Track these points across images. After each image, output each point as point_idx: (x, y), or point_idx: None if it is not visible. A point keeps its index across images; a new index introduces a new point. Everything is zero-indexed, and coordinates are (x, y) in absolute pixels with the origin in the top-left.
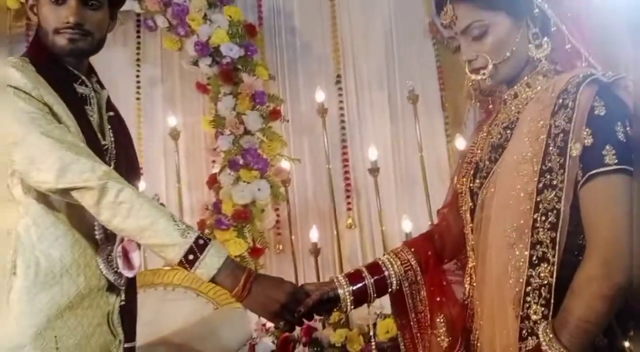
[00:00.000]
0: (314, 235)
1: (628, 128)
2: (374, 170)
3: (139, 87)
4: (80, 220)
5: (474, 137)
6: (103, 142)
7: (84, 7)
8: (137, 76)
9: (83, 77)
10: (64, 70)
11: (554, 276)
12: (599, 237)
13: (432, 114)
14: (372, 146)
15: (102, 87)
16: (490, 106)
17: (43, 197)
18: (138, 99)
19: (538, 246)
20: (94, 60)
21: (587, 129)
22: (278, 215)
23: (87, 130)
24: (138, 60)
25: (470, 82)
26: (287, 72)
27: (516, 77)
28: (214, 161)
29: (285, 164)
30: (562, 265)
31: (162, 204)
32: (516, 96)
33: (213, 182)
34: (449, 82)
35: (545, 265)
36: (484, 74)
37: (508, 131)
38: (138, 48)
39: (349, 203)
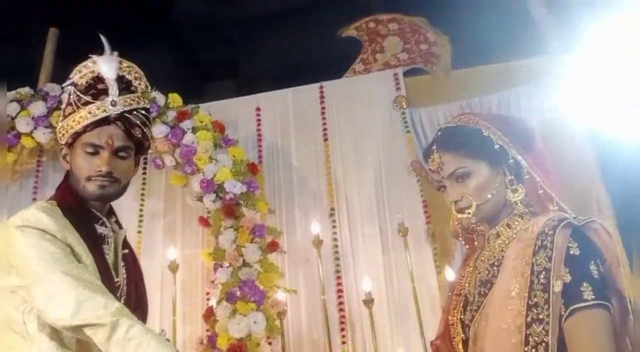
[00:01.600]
0: None
1: (601, 267)
2: (369, 302)
3: (141, 221)
4: None
5: (462, 271)
6: (116, 279)
7: (114, 157)
8: (141, 210)
9: (104, 219)
10: (88, 213)
11: None
12: None
13: (421, 246)
14: (366, 277)
15: (120, 227)
16: (475, 243)
17: (56, 335)
18: (139, 232)
19: None
20: None
21: (565, 268)
22: (271, 350)
23: (102, 268)
24: (142, 195)
25: (457, 221)
26: (284, 205)
27: (496, 217)
28: (208, 294)
29: (281, 296)
30: None
31: (167, 339)
32: (498, 236)
33: (209, 315)
34: (434, 215)
35: None
36: (468, 213)
37: (494, 268)
38: (143, 184)
39: (343, 336)
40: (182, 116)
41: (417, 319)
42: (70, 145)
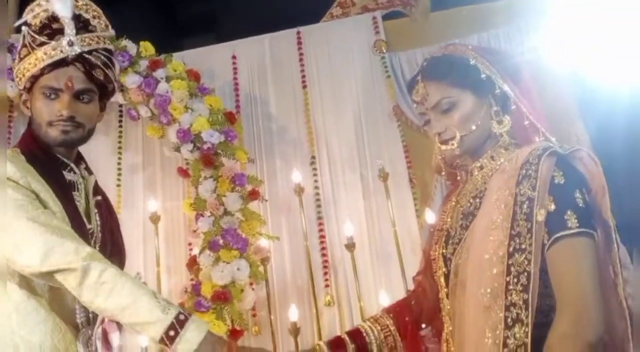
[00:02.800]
0: (293, 314)
1: (586, 195)
2: (350, 246)
3: (119, 174)
4: (61, 304)
5: (444, 207)
6: (89, 226)
7: (76, 101)
8: (119, 164)
9: (72, 165)
10: (53, 159)
11: (529, 336)
12: (568, 296)
13: (402, 191)
14: (347, 222)
15: (90, 173)
16: (458, 178)
17: (26, 283)
18: (118, 185)
19: (512, 308)
20: (81, 150)
21: (549, 197)
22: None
23: (73, 215)
24: (119, 148)
25: (440, 155)
26: (265, 154)
27: (479, 149)
28: (190, 244)
29: (264, 243)
30: (536, 325)
31: (144, 283)
32: (482, 168)
33: (193, 264)
34: (415, 160)
35: (520, 326)
36: (452, 144)
37: (477, 200)
38: (120, 137)
39: (326, 280)
40: (154, 65)
41: (398, 261)
42: (29, 90)
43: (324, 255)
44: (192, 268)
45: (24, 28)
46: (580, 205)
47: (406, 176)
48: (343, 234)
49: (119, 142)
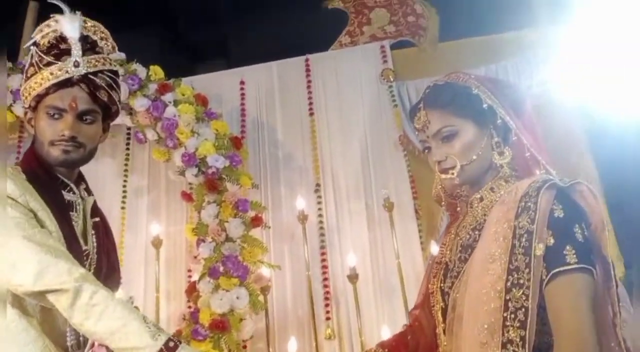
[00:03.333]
0: (292, 347)
1: (585, 230)
2: (353, 277)
3: (124, 197)
4: (52, 326)
5: (443, 239)
6: (84, 247)
7: (79, 121)
8: (124, 186)
9: (72, 185)
10: (53, 179)
11: None
12: (566, 332)
13: (407, 222)
14: (350, 253)
15: (90, 193)
16: (458, 209)
17: (18, 303)
18: (123, 208)
19: (509, 345)
20: (84, 173)
21: (548, 231)
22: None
23: (69, 235)
24: (126, 171)
25: (440, 184)
26: (270, 181)
27: (480, 180)
28: (190, 271)
29: (265, 271)
30: None
31: (136, 307)
32: (482, 200)
33: (192, 290)
34: (421, 191)
35: None
36: (452, 173)
37: (476, 232)
38: (127, 159)
39: (327, 312)
40: (163, 89)
41: (402, 294)
42: (34, 109)
43: (325, 286)
44: (191, 295)
45: (32, 47)
46: (580, 240)
47: (412, 207)
48: (346, 264)
49: (126, 165)
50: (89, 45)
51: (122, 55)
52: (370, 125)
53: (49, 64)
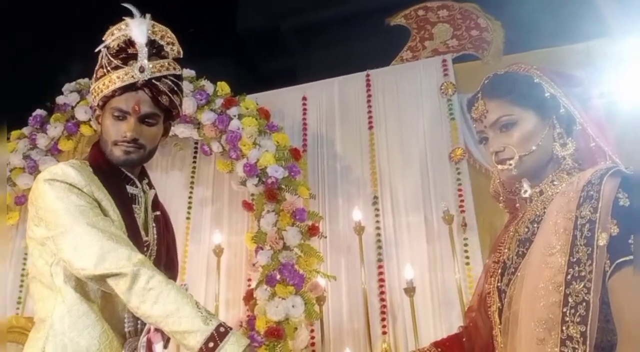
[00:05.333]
0: None
1: None
2: (410, 290)
3: (190, 208)
4: (111, 312)
5: (501, 237)
6: (145, 238)
7: (140, 124)
8: (190, 198)
9: (135, 179)
10: (117, 173)
11: None
12: (630, 331)
13: (467, 236)
14: (408, 265)
15: (151, 187)
16: (517, 205)
17: (81, 287)
18: (188, 218)
19: (568, 342)
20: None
21: (612, 219)
22: (313, 336)
23: (131, 226)
24: (192, 183)
25: (498, 178)
26: (327, 193)
27: (540, 172)
28: (249, 280)
29: (321, 281)
30: None
31: (190, 294)
32: (542, 193)
33: (250, 298)
34: (482, 205)
35: None
36: (510, 164)
37: (535, 225)
38: (193, 172)
39: (384, 326)
40: (229, 103)
41: (460, 310)
42: (101, 107)
43: (382, 300)
44: (249, 302)
45: (103, 49)
46: None
47: (473, 222)
48: (403, 278)
49: (192, 177)
50: (155, 50)
51: (192, 72)
52: (429, 138)
53: (116, 67)
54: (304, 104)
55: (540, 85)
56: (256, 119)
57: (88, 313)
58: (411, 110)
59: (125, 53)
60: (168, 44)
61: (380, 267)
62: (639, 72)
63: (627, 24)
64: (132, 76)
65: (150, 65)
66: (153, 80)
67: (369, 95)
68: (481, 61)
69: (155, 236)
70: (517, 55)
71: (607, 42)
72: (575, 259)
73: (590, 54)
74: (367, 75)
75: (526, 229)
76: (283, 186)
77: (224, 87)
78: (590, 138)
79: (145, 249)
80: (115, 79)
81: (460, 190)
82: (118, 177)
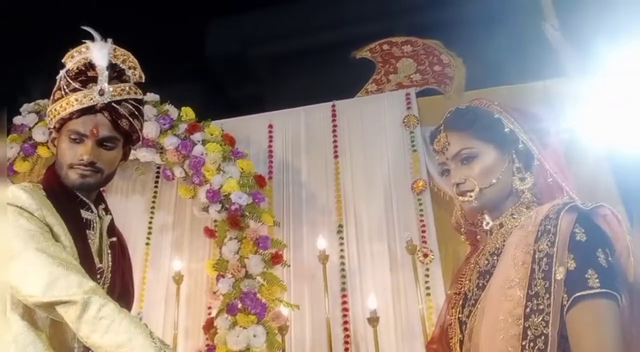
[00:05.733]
0: None
1: (610, 256)
2: (374, 320)
3: (149, 233)
4: (61, 341)
5: (462, 269)
6: (99, 265)
7: (99, 147)
8: (150, 223)
9: (90, 204)
10: (72, 197)
11: None
12: None
13: (431, 266)
14: (371, 295)
15: (108, 212)
16: (478, 237)
17: (28, 314)
18: (147, 244)
19: None
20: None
21: (569, 254)
22: None
23: (84, 252)
24: (153, 207)
25: (459, 210)
26: (292, 220)
27: (500, 205)
28: (210, 308)
29: (284, 310)
30: None
31: (144, 324)
32: (502, 226)
33: (210, 326)
34: (447, 235)
35: None
36: (470, 196)
37: (495, 257)
38: (154, 197)
39: None
40: (193, 129)
41: (423, 340)
42: (58, 130)
43: (346, 329)
44: (209, 331)
45: (61, 71)
46: (603, 264)
47: (436, 252)
48: (367, 307)
49: (153, 202)
50: (116, 74)
51: (156, 97)
52: (393, 169)
53: (75, 90)
54: (270, 132)
55: (500, 120)
56: (221, 145)
57: (35, 342)
58: (375, 141)
59: (85, 76)
60: (130, 68)
61: (344, 296)
62: (593, 111)
63: (581, 65)
64: (91, 99)
65: (111, 89)
66: (113, 104)
67: (335, 125)
68: (443, 96)
69: (110, 263)
70: (478, 91)
71: (563, 81)
72: (533, 293)
73: (548, 92)
74: (333, 106)
75: (486, 261)
76: (247, 213)
77: (188, 112)
78: (548, 173)
79: (98, 276)
80: (74, 101)
81: (422, 221)
82: (72, 202)
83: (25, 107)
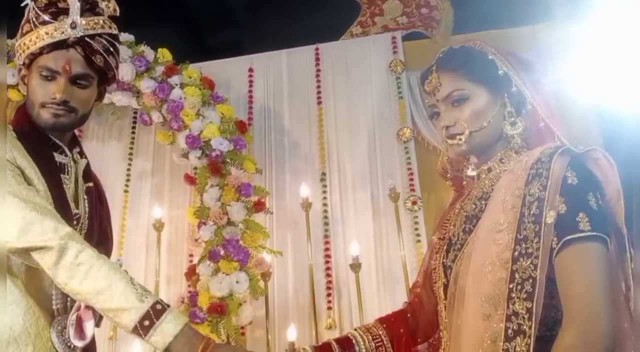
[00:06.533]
0: (291, 334)
1: (600, 200)
2: (356, 266)
3: (128, 180)
4: (38, 288)
5: (447, 214)
6: (75, 211)
7: (72, 85)
8: (128, 170)
9: (64, 147)
10: (45, 139)
11: (531, 350)
12: (576, 305)
13: (412, 213)
14: (354, 242)
15: (83, 156)
16: (464, 183)
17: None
18: (126, 191)
19: (514, 318)
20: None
21: (560, 198)
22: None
23: (58, 197)
24: (130, 154)
25: (446, 155)
26: (275, 168)
27: (489, 150)
28: (191, 255)
29: (267, 257)
30: (539, 339)
31: (125, 271)
32: (490, 171)
33: (192, 273)
34: (430, 183)
35: (522, 337)
36: (460, 139)
37: (482, 202)
38: (132, 142)
39: (329, 302)
40: (170, 71)
41: (405, 286)
42: (27, 66)
43: (328, 275)
44: (191, 278)
45: (29, 2)
46: (594, 208)
47: (421, 199)
48: (349, 254)
49: (131, 148)
50: (88, 6)
51: (131, 37)
52: (378, 115)
53: (45, 22)
54: (250, 76)
55: (494, 62)
56: (200, 89)
57: (11, 289)
58: (360, 87)
59: (56, 7)
60: (103, 0)
61: (326, 243)
62: (582, 58)
63: (571, 9)
64: (63, 32)
65: (84, 22)
66: (86, 38)
67: (318, 70)
68: (430, 40)
69: (87, 209)
70: (465, 35)
71: (552, 26)
72: (522, 236)
73: (537, 37)
74: (317, 49)
75: (473, 206)
76: (228, 160)
77: (165, 54)
78: (540, 118)
79: (75, 222)
80: (44, 34)
81: (410, 169)
82: (45, 144)
83: None
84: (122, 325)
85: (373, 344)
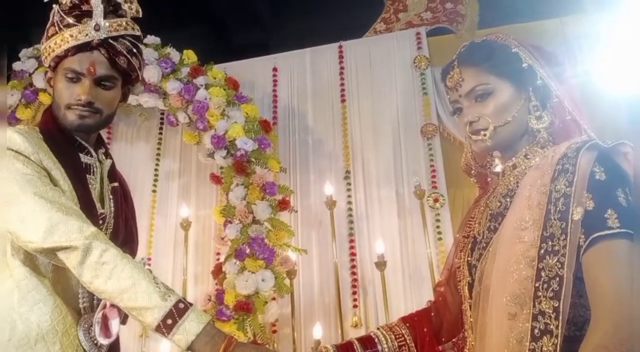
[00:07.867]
0: (317, 332)
1: (629, 195)
2: (381, 264)
3: (156, 180)
4: (65, 286)
5: (471, 212)
6: (101, 210)
7: (96, 86)
8: (156, 170)
9: (89, 148)
10: (70, 140)
11: (558, 349)
12: (605, 303)
13: (441, 211)
14: (379, 239)
15: (108, 157)
16: (489, 179)
17: (30, 260)
18: (154, 191)
19: (540, 317)
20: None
21: (588, 194)
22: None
23: (84, 197)
24: (158, 154)
25: (470, 151)
26: (299, 167)
27: (514, 145)
28: (218, 254)
29: (292, 255)
30: (566, 339)
31: (149, 269)
32: (515, 167)
33: (218, 272)
34: (456, 179)
35: (549, 337)
36: (484, 135)
37: (507, 199)
38: (159, 143)
39: (355, 300)
40: (195, 72)
41: (431, 285)
42: (53, 68)
43: (353, 273)
44: (218, 276)
45: (54, 6)
46: (623, 204)
47: (445, 196)
48: (374, 252)
49: (158, 149)
50: (111, 8)
51: (157, 39)
52: (402, 112)
53: (69, 25)
54: (275, 75)
55: (518, 55)
56: (224, 89)
57: (38, 288)
58: (384, 84)
59: (79, 10)
60: (126, 1)
61: (351, 241)
62: (611, 51)
63: (598, 1)
64: (87, 35)
65: (107, 24)
66: (110, 40)
67: (342, 68)
68: (455, 35)
69: (113, 209)
70: (491, 29)
71: (581, 18)
72: (548, 234)
73: (565, 30)
74: (340, 47)
75: (498, 203)
76: (253, 159)
77: (190, 56)
78: (567, 111)
79: (100, 221)
80: (68, 37)
81: (432, 166)
82: (71, 145)
83: (24, 52)
84: (146, 323)
85: (396, 343)
